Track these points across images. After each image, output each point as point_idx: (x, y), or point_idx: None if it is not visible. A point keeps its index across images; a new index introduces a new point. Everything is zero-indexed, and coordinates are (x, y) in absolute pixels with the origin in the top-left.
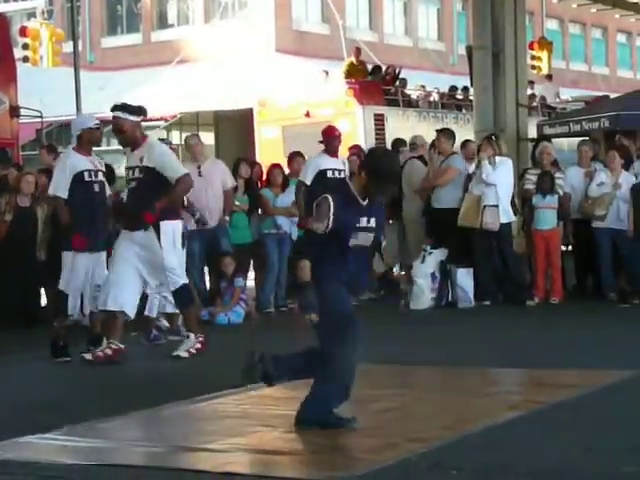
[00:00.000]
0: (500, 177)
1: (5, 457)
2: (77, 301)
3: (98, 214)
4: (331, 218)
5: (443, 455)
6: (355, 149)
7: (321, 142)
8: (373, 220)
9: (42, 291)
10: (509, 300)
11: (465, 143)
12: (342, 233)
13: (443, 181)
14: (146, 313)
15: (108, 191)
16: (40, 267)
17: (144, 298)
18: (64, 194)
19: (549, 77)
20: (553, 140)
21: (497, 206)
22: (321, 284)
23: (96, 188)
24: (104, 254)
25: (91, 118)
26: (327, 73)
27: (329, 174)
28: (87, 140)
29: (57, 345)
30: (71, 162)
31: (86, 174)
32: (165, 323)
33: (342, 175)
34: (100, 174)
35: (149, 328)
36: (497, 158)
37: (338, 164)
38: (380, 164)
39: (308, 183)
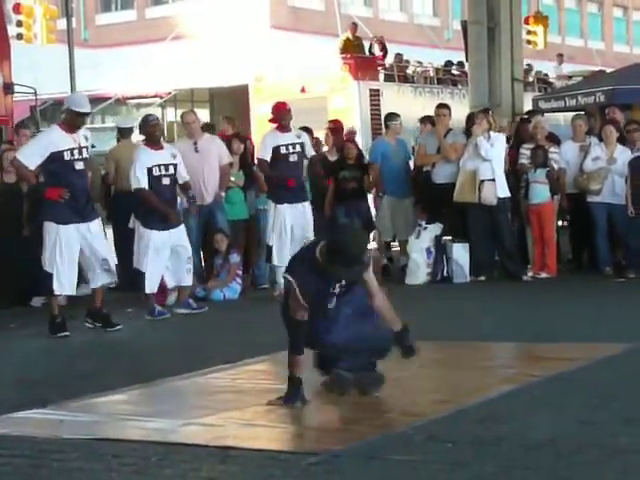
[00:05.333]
0: (495, 152)
1: (2, 432)
2: (72, 277)
3: (79, 191)
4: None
5: (438, 428)
6: (332, 123)
7: (271, 120)
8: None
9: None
10: (505, 275)
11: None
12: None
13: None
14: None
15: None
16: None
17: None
18: (30, 163)
19: (560, 56)
20: (550, 115)
21: (494, 180)
22: None
23: (78, 166)
24: (95, 225)
25: (82, 102)
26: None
27: (283, 150)
28: (68, 120)
29: (55, 321)
30: (51, 138)
31: (66, 154)
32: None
33: (297, 149)
34: (84, 151)
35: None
36: (491, 133)
37: (292, 138)
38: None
39: (268, 160)
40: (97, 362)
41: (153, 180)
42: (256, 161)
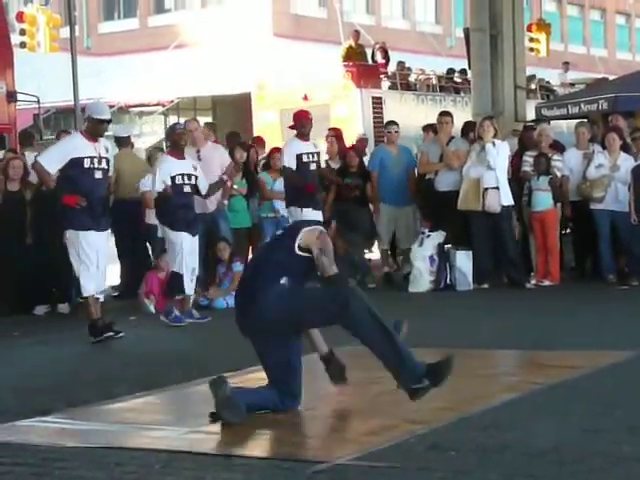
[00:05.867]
0: (499, 160)
1: (6, 440)
2: (99, 279)
3: (96, 200)
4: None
5: (441, 436)
6: (333, 131)
7: (291, 127)
8: None
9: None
10: (508, 283)
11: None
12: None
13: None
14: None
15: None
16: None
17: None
18: (50, 167)
19: (566, 64)
20: (553, 122)
21: (498, 188)
22: None
23: (97, 175)
24: (105, 236)
25: (102, 110)
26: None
27: (305, 158)
28: (89, 128)
29: (96, 325)
30: (73, 144)
31: (86, 160)
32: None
33: (316, 158)
34: (104, 161)
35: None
36: (495, 141)
37: (311, 147)
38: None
39: (294, 168)
40: (100, 370)
41: (174, 188)
42: (278, 169)
